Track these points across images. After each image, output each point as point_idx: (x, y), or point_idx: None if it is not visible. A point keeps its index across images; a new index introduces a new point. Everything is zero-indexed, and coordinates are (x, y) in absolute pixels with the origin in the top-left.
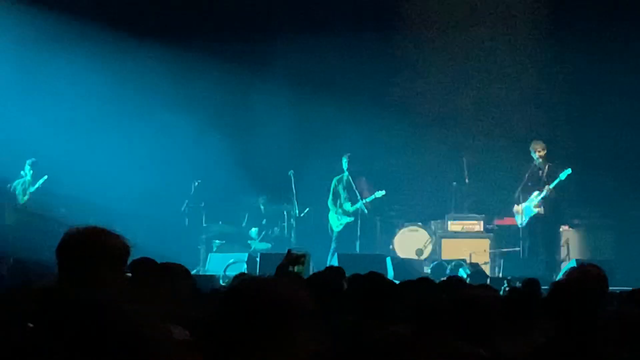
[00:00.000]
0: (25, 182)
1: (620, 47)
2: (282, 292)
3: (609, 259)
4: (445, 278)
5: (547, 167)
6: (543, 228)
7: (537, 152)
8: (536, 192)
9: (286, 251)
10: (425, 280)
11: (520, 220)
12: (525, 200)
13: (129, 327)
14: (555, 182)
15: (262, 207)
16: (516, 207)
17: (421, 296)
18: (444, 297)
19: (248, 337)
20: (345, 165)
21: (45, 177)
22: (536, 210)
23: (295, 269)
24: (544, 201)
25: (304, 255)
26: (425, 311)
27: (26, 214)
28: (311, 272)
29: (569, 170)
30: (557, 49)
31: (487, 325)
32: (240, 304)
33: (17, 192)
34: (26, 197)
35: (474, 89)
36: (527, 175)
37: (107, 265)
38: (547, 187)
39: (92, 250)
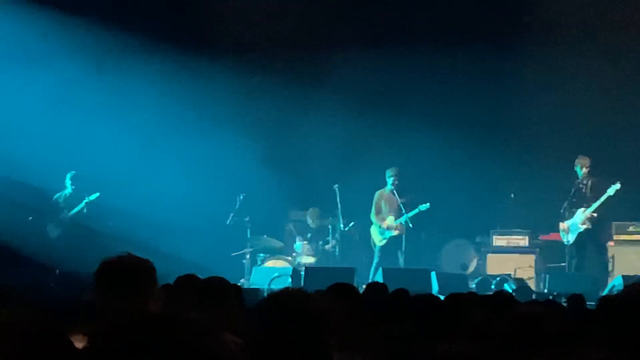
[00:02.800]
0: (66, 195)
1: None
2: (311, 305)
3: None
4: (491, 293)
5: (590, 182)
6: (591, 244)
7: (583, 168)
8: (582, 209)
9: (330, 266)
10: (473, 296)
11: (567, 237)
12: (571, 216)
13: (193, 337)
14: (604, 198)
15: (308, 221)
16: (562, 225)
17: (475, 314)
18: (498, 314)
19: (284, 346)
20: (388, 179)
21: (97, 194)
22: (583, 227)
23: None
24: (591, 217)
25: None
26: (482, 329)
27: (71, 227)
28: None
29: (617, 186)
30: (598, 63)
31: (547, 343)
32: (273, 314)
33: (60, 206)
34: (73, 212)
35: (522, 105)
36: (572, 190)
37: (142, 286)
38: (594, 204)
39: (126, 276)
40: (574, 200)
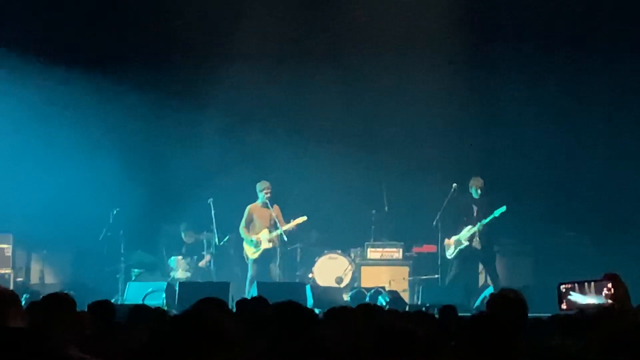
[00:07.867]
0: None
1: (532, 70)
2: (210, 321)
3: (527, 285)
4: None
5: (484, 202)
6: (485, 260)
7: (478, 189)
8: (469, 227)
9: (205, 280)
10: (347, 309)
11: (451, 252)
12: (459, 232)
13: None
14: (489, 218)
15: (182, 235)
16: (447, 241)
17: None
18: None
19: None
20: (259, 192)
21: None
22: (466, 243)
23: None
24: (479, 235)
25: None
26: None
27: None
28: (230, 301)
29: (503, 208)
30: (467, 77)
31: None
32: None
33: None
34: None
35: (395, 118)
36: (462, 209)
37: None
38: (479, 223)
39: None
40: (465, 218)
